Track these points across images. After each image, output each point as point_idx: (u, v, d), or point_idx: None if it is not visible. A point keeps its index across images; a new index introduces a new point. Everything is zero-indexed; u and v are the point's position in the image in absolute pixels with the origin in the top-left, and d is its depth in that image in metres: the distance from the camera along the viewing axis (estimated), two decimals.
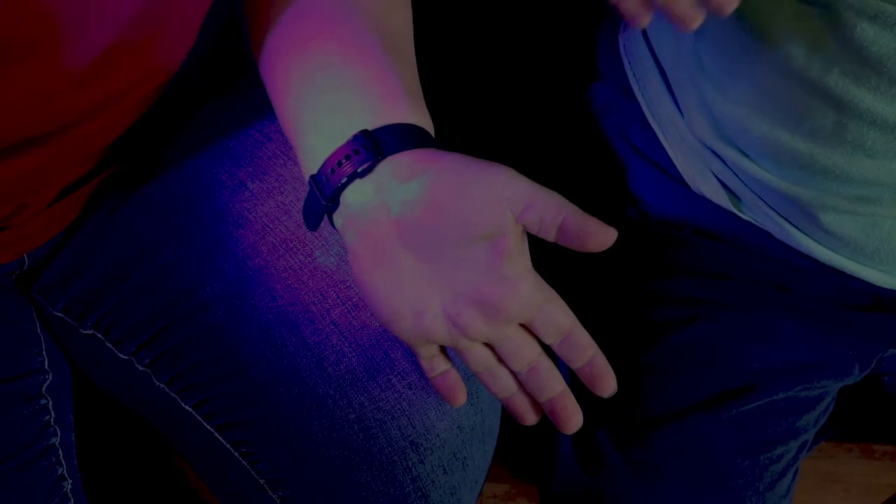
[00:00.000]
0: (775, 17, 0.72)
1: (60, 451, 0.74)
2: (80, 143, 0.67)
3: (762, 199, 0.80)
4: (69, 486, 0.74)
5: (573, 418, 0.63)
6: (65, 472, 0.74)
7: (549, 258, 0.67)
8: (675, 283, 0.84)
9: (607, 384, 0.61)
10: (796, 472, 0.87)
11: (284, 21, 0.66)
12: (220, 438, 0.75)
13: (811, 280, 0.82)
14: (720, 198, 0.83)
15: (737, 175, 0.81)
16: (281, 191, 0.75)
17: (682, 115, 0.82)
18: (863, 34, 0.67)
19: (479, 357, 0.62)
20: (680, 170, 0.83)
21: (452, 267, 0.59)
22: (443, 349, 0.65)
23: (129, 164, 0.76)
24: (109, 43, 0.61)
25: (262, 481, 0.75)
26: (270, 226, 0.74)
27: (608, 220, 0.58)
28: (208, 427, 0.75)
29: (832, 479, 1.12)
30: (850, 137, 0.72)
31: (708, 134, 0.80)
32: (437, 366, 0.65)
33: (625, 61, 0.88)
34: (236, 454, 0.75)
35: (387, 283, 0.60)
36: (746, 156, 0.79)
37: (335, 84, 0.62)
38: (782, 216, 0.80)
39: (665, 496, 0.82)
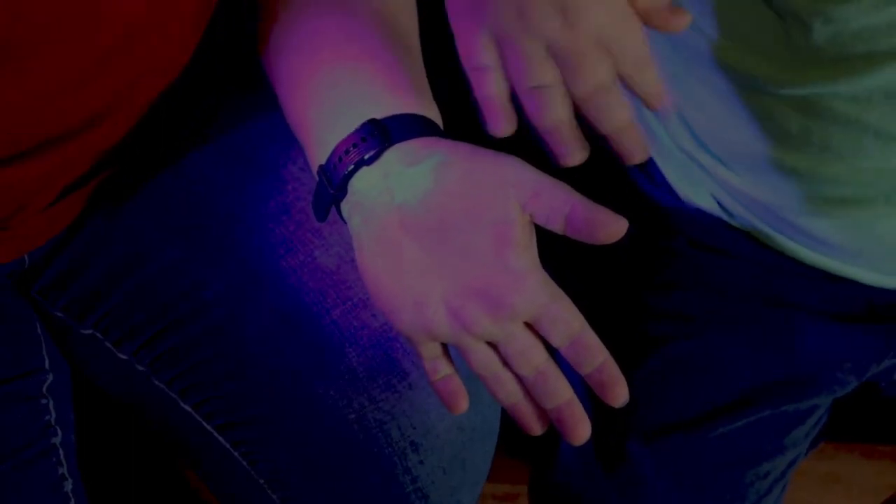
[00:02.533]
0: (724, 23, 0.71)
1: (61, 451, 0.74)
2: (82, 152, 0.67)
3: (742, 206, 0.80)
4: (70, 486, 0.74)
5: (581, 428, 0.58)
6: (65, 471, 0.74)
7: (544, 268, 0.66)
8: (668, 298, 0.84)
9: (619, 392, 0.57)
10: (784, 487, 0.87)
11: (292, 17, 0.65)
12: (220, 438, 0.75)
13: (803, 287, 0.81)
14: (709, 206, 0.82)
15: (717, 183, 0.80)
16: (281, 191, 0.75)
17: (663, 124, 0.82)
18: (818, 36, 0.66)
19: (483, 357, 0.59)
20: (668, 179, 0.83)
21: (457, 256, 0.57)
22: (446, 352, 0.61)
23: (130, 164, 0.76)
24: (110, 45, 0.61)
25: (261, 481, 0.75)
26: (270, 226, 0.74)
27: None
28: (208, 427, 0.75)
29: (833, 480, 1.12)
30: (815, 139, 0.72)
31: (686, 141, 0.80)
32: (440, 368, 0.61)
33: None
34: (236, 454, 0.75)
35: (389, 272, 0.58)
36: (721, 162, 0.79)
37: (343, 79, 0.62)
38: (764, 222, 0.80)
39: None
